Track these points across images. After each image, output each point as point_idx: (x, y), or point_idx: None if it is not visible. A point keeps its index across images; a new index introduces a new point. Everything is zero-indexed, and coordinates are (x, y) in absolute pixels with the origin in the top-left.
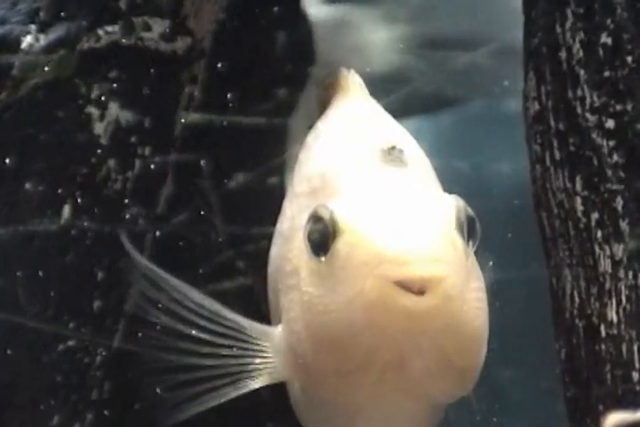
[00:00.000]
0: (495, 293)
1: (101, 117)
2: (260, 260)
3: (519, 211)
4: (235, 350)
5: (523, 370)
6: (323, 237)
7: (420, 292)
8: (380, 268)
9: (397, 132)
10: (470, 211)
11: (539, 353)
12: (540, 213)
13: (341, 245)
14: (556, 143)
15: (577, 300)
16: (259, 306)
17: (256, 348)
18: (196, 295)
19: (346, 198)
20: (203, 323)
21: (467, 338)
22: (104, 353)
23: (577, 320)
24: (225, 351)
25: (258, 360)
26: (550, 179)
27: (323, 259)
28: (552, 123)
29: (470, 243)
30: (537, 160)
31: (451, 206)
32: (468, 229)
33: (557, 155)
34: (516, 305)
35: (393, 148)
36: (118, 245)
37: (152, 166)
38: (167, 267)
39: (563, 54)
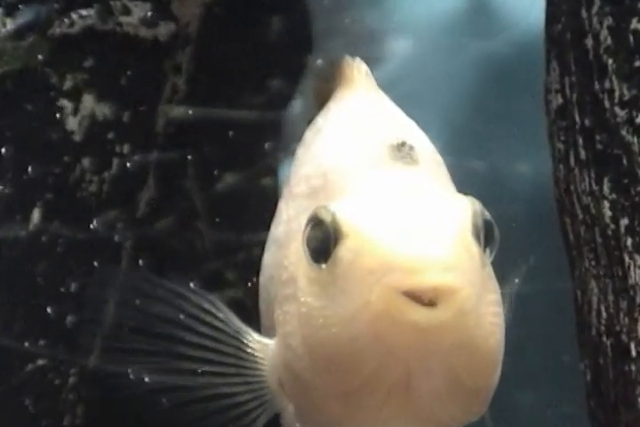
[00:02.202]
0: (513, 307)
1: (75, 111)
2: (251, 269)
3: (540, 216)
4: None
5: (543, 393)
6: (323, 243)
7: (431, 303)
8: (388, 276)
9: (408, 127)
10: (488, 215)
11: (561, 374)
12: (563, 218)
13: (344, 251)
14: (581, 141)
15: (604, 315)
16: (251, 320)
17: (252, 364)
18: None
19: (350, 199)
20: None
21: (480, 357)
22: (78, 374)
23: (604, 338)
24: (220, 368)
25: (255, 379)
26: (575, 180)
27: (323, 266)
28: (577, 118)
29: (487, 251)
30: (560, 160)
31: (466, 209)
32: (486, 236)
33: (583, 154)
34: (537, 321)
35: (402, 144)
36: (93, 253)
37: (131, 166)
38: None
39: (589, 42)
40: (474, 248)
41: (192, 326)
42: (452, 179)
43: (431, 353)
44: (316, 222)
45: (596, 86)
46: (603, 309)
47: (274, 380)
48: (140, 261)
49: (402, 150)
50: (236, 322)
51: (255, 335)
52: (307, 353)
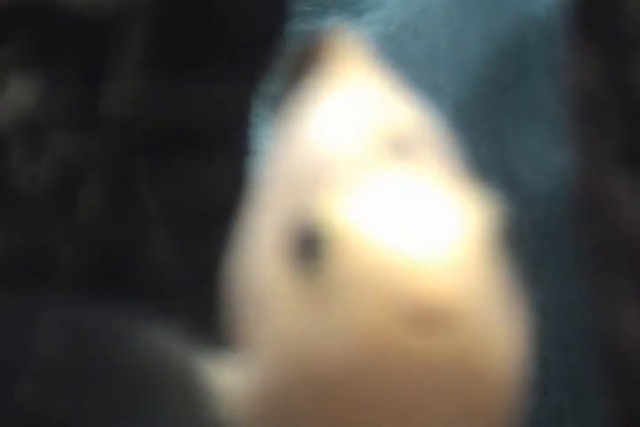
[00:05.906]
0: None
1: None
2: (218, 284)
3: (562, 221)
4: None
5: None
6: (308, 246)
7: (436, 324)
8: (384, 290)
9: (410, 115)
10: (506, 218)
11: (582, 420)
12: (590, 224)
13: (333, 257)
14: (614, 130)
15: None
16: (218, 345)
17: (207, 402)
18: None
19: (339, 197)
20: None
21: (493, 393)
22: (11, 418)
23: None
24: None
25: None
26: (605, 179)
27: (307, 275)
28: (609, 102)
29: (505, 261)
30: (586, 153)
31: (480, 211)
32: (503, 243)
33: (614, 146)
34: (555, 352)
35: (403, 134)
36: (22, 268)
37: (69, 160)
38: (91, 298)
39: (627, 6)
40: (488, 258)
41: (126, 363)
42: (462, 173)
43: (432, 387)
44: (299, 223)
45: (635, 63)
46: (638, 338)
47: (237, 415)
48: (81, 278)
49: (403, 141)
50: (186, 354)
51: (213, 367)
52: (284, 377)
